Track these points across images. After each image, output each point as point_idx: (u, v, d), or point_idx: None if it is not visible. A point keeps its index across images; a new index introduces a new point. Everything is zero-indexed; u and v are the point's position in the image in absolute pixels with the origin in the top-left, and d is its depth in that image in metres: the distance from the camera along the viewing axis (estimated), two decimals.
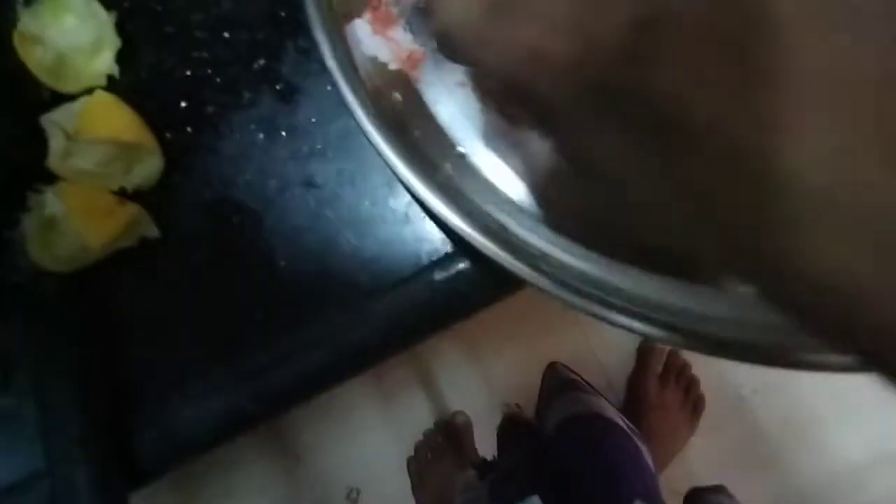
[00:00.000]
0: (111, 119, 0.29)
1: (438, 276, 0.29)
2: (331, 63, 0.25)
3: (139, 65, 0.32)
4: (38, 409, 0.27)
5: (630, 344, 1.09)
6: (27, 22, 0.31)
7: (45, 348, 0.28)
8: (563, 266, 0.25)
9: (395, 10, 0.27)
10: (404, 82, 0.27)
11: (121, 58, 0.31)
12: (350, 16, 0.27)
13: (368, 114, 0.25)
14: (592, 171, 0.16)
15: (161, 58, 0.32)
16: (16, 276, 0.29)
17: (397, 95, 0.27)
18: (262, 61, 0.31)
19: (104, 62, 0.31)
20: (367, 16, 0.27)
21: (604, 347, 1.04)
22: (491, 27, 0.16)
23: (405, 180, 0.25)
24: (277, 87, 0.31)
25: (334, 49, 0.25)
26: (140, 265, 0.30)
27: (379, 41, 0.27)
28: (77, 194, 0.29)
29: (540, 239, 0.25)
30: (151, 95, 0.31)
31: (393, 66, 0.27)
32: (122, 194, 0.30)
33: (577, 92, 0.14)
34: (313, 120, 0.30)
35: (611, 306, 0.23)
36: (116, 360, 0.30)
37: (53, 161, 0.30)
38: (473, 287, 0.29)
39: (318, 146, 0.30)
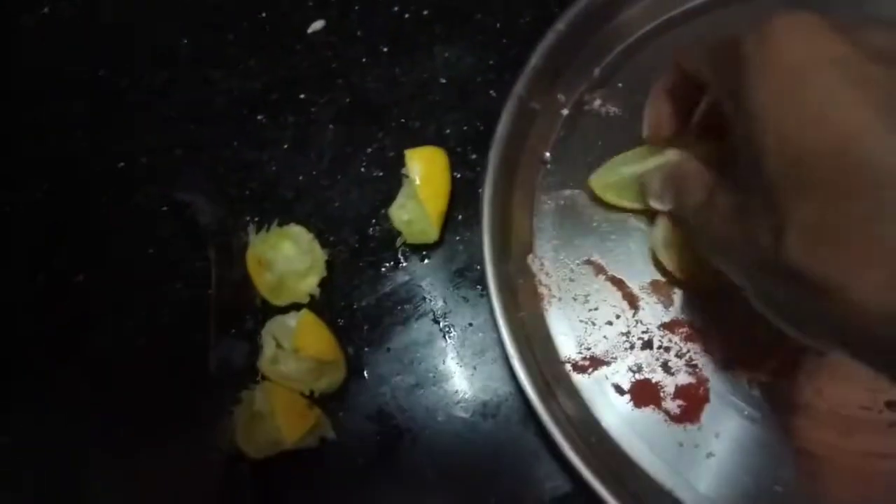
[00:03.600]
0: (317, 339, 0.37)
1: None
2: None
3: (334, 290, 0.40)
4: None
5: None
6: (257, 245, 0.40)
7: None
8: None
9: None
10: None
11: (321, 282, 0.39)
12: None
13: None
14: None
15: (352, 288, 0.40)
16: (215, 455, 0.35)
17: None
18: (431, 302, 0.39)
19: (310, 285, 0.39)
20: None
21: None
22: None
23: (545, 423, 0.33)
24: (441, 325, 0.39)
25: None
26: (312, 461, 0.36)
27: None
28: (280, 396, 0.36)
29: None
30: (341, 315, 0.39)
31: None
32: (309, 397, 0.37)
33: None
34: (474, 367, 0.38)
35: None
36: None
37: (264, 364, 0.37)
38: None
39: (469, 387, 0.38)
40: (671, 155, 0.34)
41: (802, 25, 0.21)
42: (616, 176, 0.38)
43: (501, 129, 0.39)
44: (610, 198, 0.38)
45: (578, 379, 0.36)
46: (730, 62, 0.23)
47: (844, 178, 0.19)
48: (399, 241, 0.40)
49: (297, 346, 0.36)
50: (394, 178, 0.42)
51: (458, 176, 0.41)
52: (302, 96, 0.45)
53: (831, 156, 0.19)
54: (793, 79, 0.21)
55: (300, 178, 0.43)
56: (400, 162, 0.42)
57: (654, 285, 0.37)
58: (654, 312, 0.37)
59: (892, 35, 0.21)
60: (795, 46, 0.21)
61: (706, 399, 0.35)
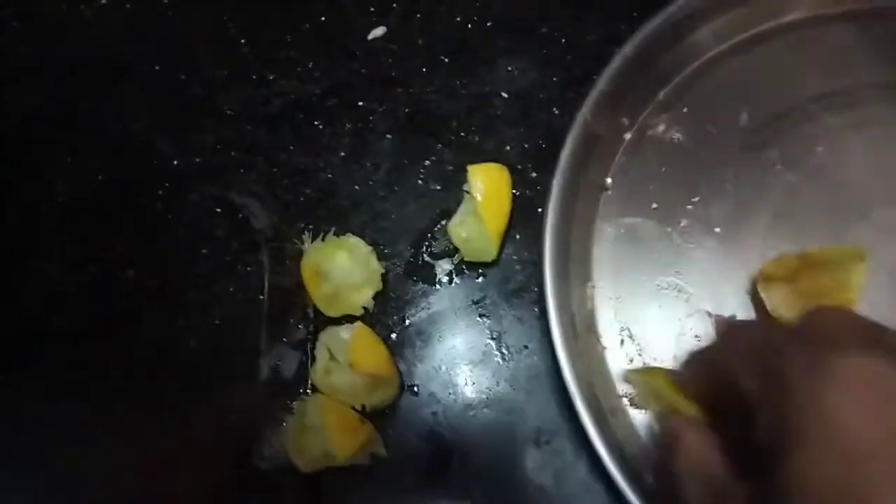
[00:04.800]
0: (372, 355, 0.36)
1: None
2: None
3: (387, 303, 0.40)
4: None
5: None
6: (312, 254, 0.39)
7: None
8: None
9: None
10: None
11: (374, 295, 0.39)
12: None
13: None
14: None
15: (405, 303, 0.40)
16: (263, 464, 0.35)
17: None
18: (486, 321, 0.39)
19: (365, 298, 0.39)
20: None
21: None
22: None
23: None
24: (495, 346, 0.39)
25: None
26: (361, 476, 0.36)
27: None
28: (333, 410, 0.35)
29: None
30: (393, 330, 0.39)
31: None
32: (360, 412, 0.36)
33: None
34: (528, 392, 0.37)
35: None
36: None
37: (316, 375, 0.37)
38: None
39: (522, 412, 0.37)
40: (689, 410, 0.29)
41: (867, 391, 0.20)
42: (649, 386, 0.34)
43: (566, 153, 0.38)
44: (642, 394, 0.36)
45: (635, 414, 0.36)
46: (781, 401, 0.22)
47: None
48: (456, 258, 0.40)
49: (352, 362, 0.35)
50: (451, 193, 0.41)
51: (517, 193, 0.41)
52: (360, 104, 0.45)
53: None
54: (847, 470, 0.19)
55: (356, 187, 0.43)
56: (458, 176, 0.41)
57: (716, 321, 0.37)
58: None
59: None
60: (855, 420, 0.20)
61: None
